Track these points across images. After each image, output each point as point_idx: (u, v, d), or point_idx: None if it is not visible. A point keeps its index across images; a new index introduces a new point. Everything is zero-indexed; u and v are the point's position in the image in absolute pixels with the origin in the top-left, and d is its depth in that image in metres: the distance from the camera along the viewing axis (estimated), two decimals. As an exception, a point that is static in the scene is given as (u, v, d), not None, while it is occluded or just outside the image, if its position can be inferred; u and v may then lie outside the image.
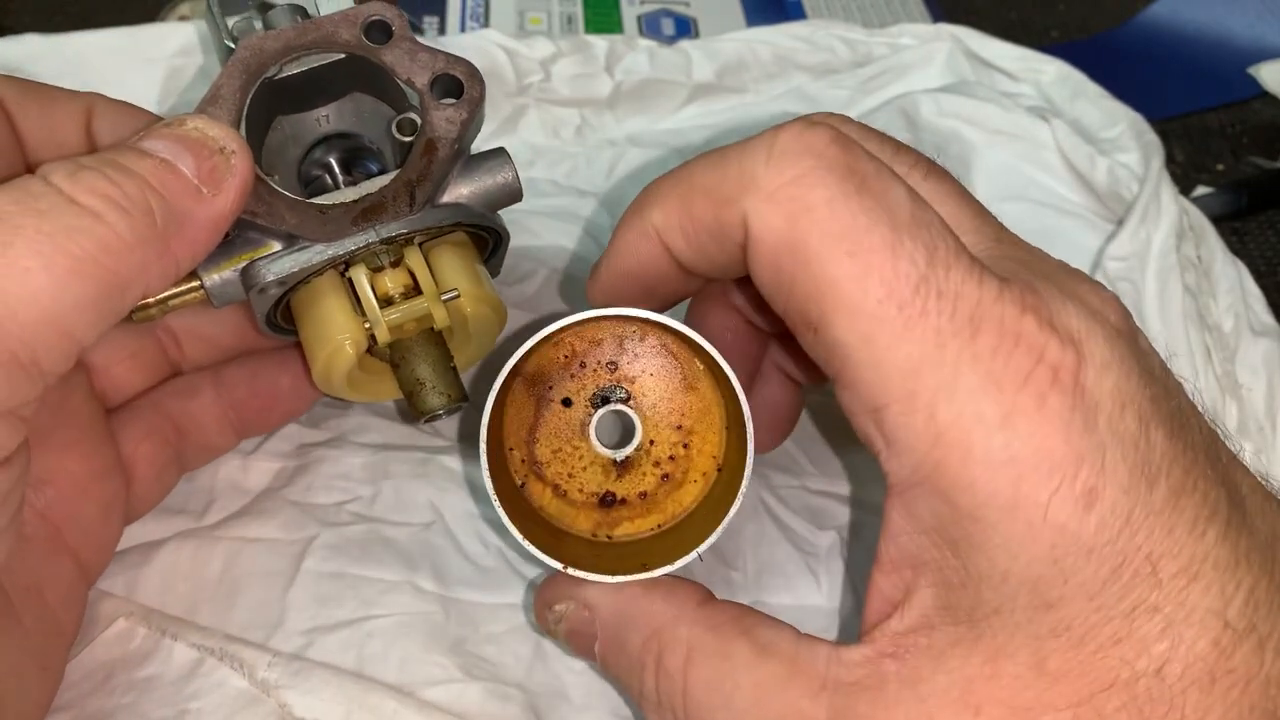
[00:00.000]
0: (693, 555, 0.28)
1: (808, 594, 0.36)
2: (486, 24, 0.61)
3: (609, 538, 0.31)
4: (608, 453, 0.31)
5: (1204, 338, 0.42)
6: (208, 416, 0.35)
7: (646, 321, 0.29)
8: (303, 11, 0.33)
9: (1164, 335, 0.42)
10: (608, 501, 0.31)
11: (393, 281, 0.32)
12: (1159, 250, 0.44)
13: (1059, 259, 0.27)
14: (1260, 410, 0.41)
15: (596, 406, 0.31)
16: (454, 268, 0.32)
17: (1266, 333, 0.44)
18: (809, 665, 0.25)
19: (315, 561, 0.35)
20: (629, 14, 0.63)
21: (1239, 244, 0.53)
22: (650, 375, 0.31)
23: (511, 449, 0.31)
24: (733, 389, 0.28)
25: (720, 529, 0.28)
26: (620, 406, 0.31)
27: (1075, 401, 0.22)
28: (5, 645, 0.28)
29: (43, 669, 0.30)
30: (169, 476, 0.35)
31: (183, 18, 0.59)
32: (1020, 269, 0.25)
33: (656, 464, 0.31)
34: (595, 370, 0.31)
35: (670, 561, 0.29)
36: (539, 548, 0.29)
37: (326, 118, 0.35)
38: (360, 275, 0.31)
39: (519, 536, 0.28)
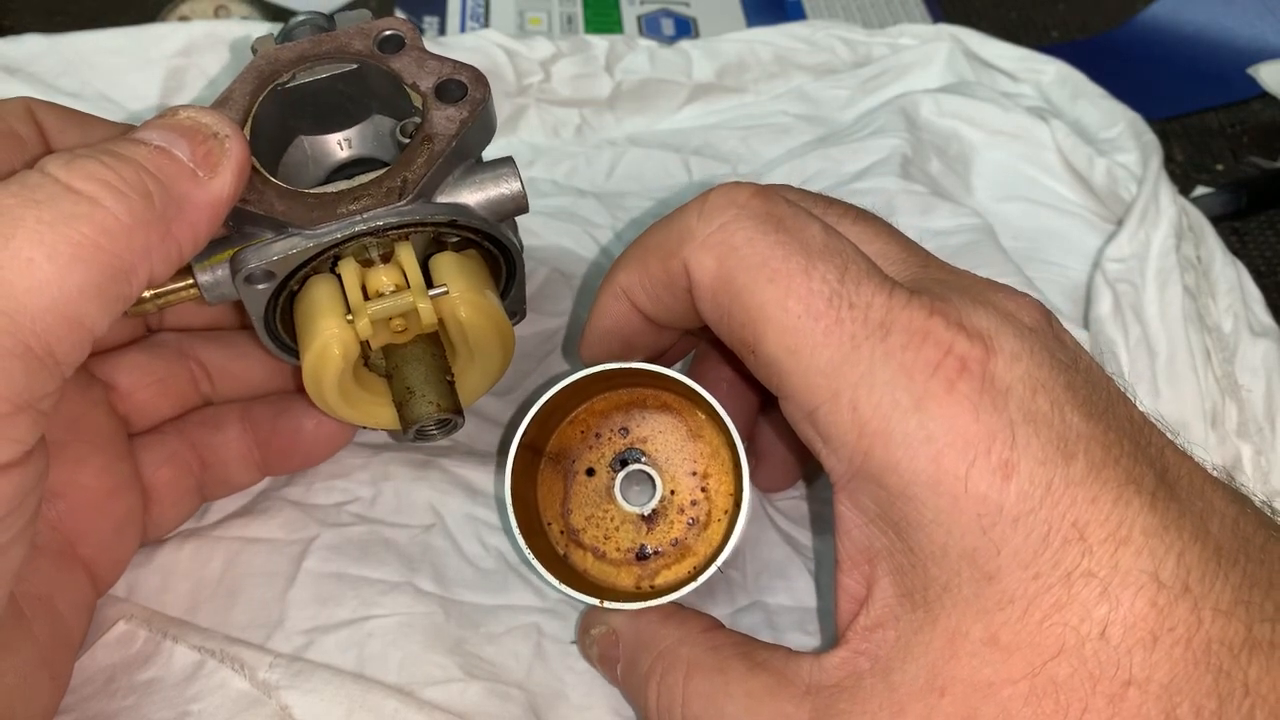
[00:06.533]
0: (690, 587, 0.30)
1: (807, 595, 0.36)
2: (486, 24, 0.61)
3: (652, 587, 0.33)
4: (634, 509, 0.33)
5: (1203, 339, 0.42)
6: (231, 452, 0.35)
7: (633, 373, 0.31)
8: (325, 28, 0.34)
9: (1163, 336, 0.42)
10: (644, 555, 0.33)
11: (385, 278, 0.31)
12: (1158, 251, 0.44)
13: (986, 276, 0.28)
14: (1260, 411, 0.41)
15: (617, 470, 0.33)
16: (450, 270, 0.32)
17: (1266, 333, 0.44)
18: (795, 675, 0.27)
19: (315, 562, 0.35)
20: (629, 14, 0.63)
21: (1239, 244, 0.53)
22: (660, 433, 0.34)
23: (550, 523, 0.33)
24: (728, 429, 0.30)
25: (720, 560, 0.30)
26: (638, 465, 0.33)
27: (983, 386, 0.24)
28: (17, 653, 0.29)
29: (52, 677, 0.30)
30: (188, 503, 0.35)
31: (183, 18, 0.59)
32: (936, 285, 0.27)
33: (681, 510, 0.33)
34: (610, 438, 0.34)
35: (684, 591, 0.30)
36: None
37: (349, 141, 0.35)
38: (348, 268, 0.31)
39: (556, 582, 0.31)
